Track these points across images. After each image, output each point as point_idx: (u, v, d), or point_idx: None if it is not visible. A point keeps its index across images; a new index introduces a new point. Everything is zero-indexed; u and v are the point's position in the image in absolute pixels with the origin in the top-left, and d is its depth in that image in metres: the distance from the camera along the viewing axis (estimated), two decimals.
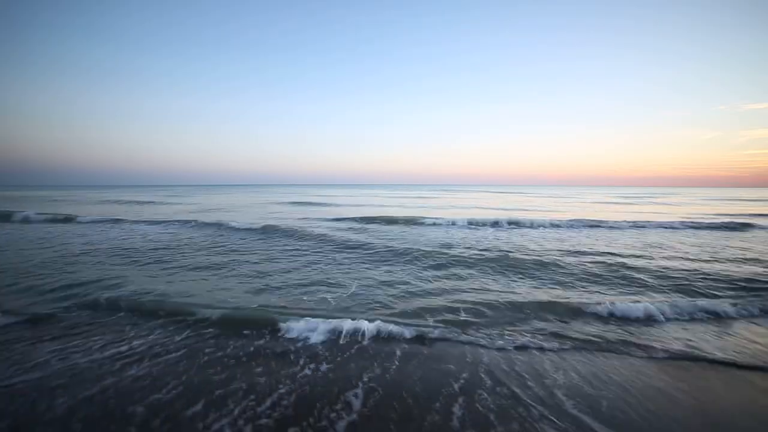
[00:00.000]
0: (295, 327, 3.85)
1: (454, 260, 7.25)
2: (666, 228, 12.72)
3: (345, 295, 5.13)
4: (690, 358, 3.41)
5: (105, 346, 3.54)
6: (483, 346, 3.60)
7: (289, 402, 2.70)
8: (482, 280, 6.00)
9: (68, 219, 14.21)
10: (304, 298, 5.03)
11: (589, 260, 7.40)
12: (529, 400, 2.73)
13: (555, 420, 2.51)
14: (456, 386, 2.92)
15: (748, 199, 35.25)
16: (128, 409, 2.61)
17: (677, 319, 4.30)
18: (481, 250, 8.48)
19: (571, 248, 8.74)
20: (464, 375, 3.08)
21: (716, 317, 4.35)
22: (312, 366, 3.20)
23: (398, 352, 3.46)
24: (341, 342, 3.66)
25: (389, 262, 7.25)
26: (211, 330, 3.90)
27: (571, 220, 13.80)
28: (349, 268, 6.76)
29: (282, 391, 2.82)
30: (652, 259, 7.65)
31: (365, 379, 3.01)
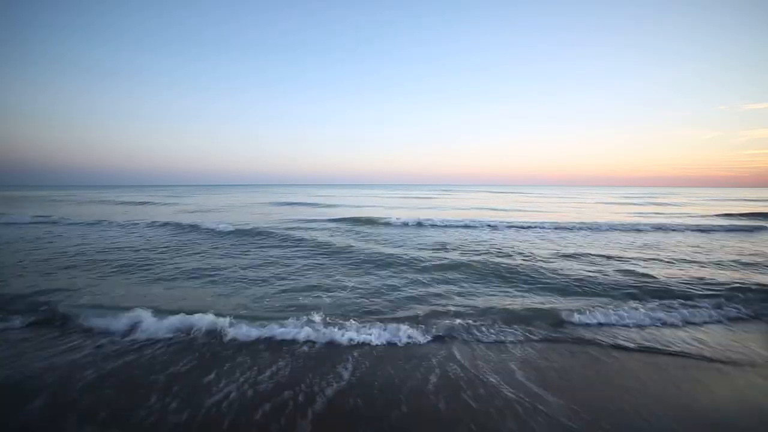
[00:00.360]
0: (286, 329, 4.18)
1: (438, 265, 7.36)
2: (667, 230, 12.96)
3: (326, 301, 5.41)
4: (641, 350, 3.88)
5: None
6: (457, 340, 4.11)
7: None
8: (464, 285, 6.21)
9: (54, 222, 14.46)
10: (280, 304, 5.24)
11: (579, 264, 7.54)
12: (487, 373, 3.36)
13: (507, 386, 3.13)
14: (434, 360, 3.58)
15: (753, 200, 35.80)
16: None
17: (643, 324, 4.59)
18: (467, 252, 8.78)
19: (563, 251, 8.95)
20: (441, 354, 3.70)
21: (689, 322, 4.65)
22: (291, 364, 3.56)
23: (375, 352, 3.85)
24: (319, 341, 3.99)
25: (371, 266, 7.40)
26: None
27: (569, 222, 14.08)
28: (330, 273, 6.92)
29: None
30: (642, 261, 7.87)
31: (355, 354, 3.69)
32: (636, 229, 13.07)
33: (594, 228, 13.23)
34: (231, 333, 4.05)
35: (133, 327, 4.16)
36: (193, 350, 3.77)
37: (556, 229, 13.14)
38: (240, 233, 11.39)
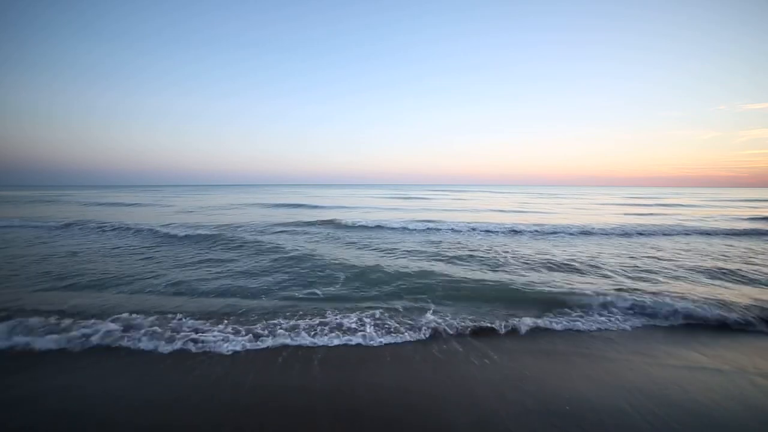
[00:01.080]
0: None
1: (406, 273, 7.29)
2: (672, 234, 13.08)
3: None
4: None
5: None
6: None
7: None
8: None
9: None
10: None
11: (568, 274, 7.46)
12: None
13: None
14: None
15: (754, 199, 37.25)
16: None
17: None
18: (443, 257, 8.87)
19: (547, 258, 8.92)
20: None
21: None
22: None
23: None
24: None
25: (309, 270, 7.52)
26: None
27: (566, 226, 14.17)
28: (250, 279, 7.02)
29: None
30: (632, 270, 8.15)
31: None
32: (642, 234, 13.01)
33: (603, 234, 13.07)
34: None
35: None
36: None
37: (552, 234, 13.07)
38: (196, 237, 11.51)
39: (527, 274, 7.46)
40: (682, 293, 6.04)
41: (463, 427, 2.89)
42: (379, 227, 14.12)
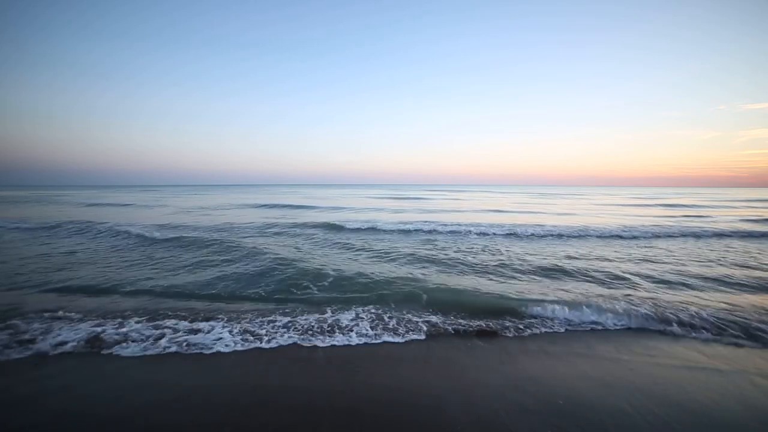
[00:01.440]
0: None
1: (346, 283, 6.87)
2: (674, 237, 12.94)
3: None
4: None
5: None
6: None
7: None
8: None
9: None
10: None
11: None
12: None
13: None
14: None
15: (758, 200, 37.12)
16: None
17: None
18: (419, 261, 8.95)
19: (546, 259, 9.11)
20: None
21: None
22: None
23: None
24: None
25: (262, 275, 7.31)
26: None
27: (566, 226, 14.15)
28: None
29: None
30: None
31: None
32: (659, 237, 12.71)
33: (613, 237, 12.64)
34: None
35: None
36: None
37: (553, 234, 12.98)
38: (193, 238, 11.37)
39: (526, 275, 7.52)
40: (682, 296, 6.10)
41: (463, 426, 2.93)
42: (377, 228, 14.15)
